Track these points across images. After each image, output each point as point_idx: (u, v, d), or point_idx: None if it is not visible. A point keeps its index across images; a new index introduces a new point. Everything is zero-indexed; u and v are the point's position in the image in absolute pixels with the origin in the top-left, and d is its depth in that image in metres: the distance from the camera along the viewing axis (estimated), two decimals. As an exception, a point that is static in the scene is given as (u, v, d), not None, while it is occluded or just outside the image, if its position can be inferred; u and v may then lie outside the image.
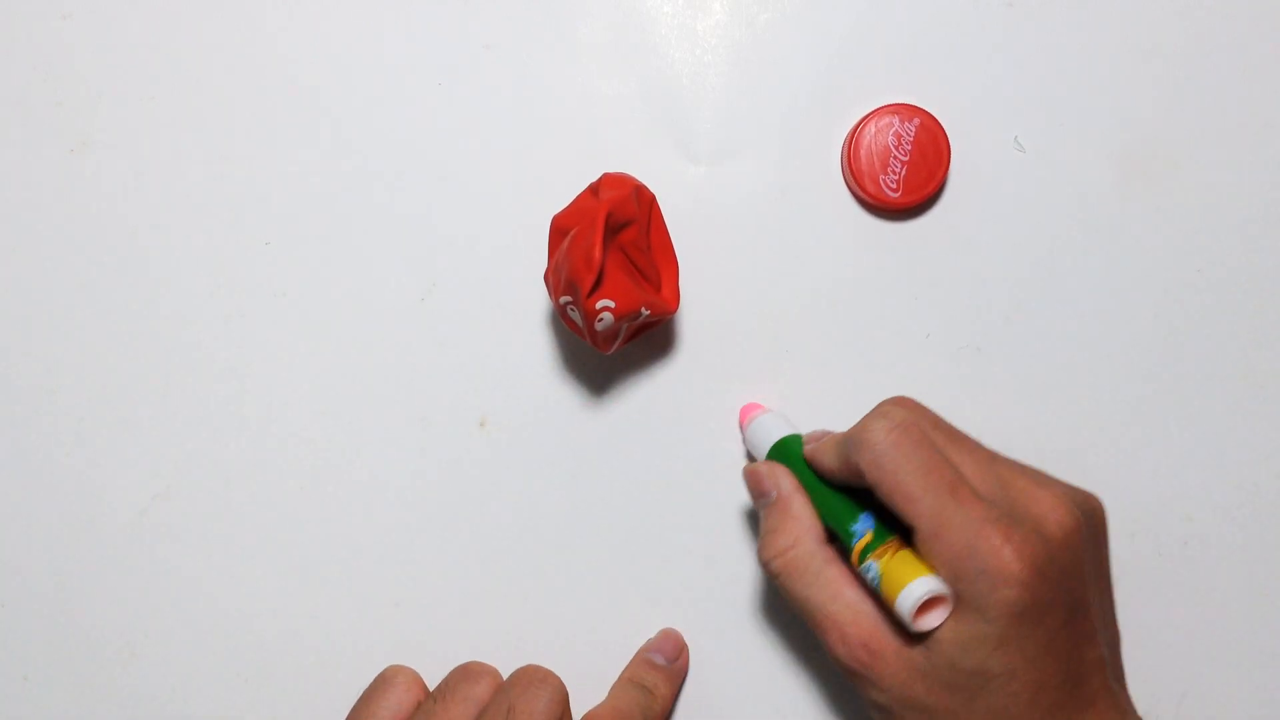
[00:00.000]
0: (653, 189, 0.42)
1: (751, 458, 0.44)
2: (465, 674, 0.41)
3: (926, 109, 0.44)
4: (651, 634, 0.45)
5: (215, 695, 0.45)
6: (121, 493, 0.46)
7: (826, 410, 0.45)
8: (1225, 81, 0.45)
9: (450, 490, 0.45)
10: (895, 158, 0.43)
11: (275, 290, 0.46)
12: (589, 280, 0.38)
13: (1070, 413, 0.45)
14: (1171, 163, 0.45)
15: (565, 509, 0.45)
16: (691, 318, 0.45)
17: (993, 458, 0.36)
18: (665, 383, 0.45)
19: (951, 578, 0.33)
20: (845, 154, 0.44)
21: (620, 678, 0.43)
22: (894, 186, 0.44)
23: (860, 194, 0.44)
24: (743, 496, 0.45)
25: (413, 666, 0.44)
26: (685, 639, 0.44)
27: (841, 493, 0.37)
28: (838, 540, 0.37)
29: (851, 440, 0.36)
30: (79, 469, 0.46)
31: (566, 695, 0.40)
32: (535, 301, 0.45)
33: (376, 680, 0.42)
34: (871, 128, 0.44)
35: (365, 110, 0.46)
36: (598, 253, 0.38)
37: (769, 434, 0.42)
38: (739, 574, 0.45)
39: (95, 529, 0.46)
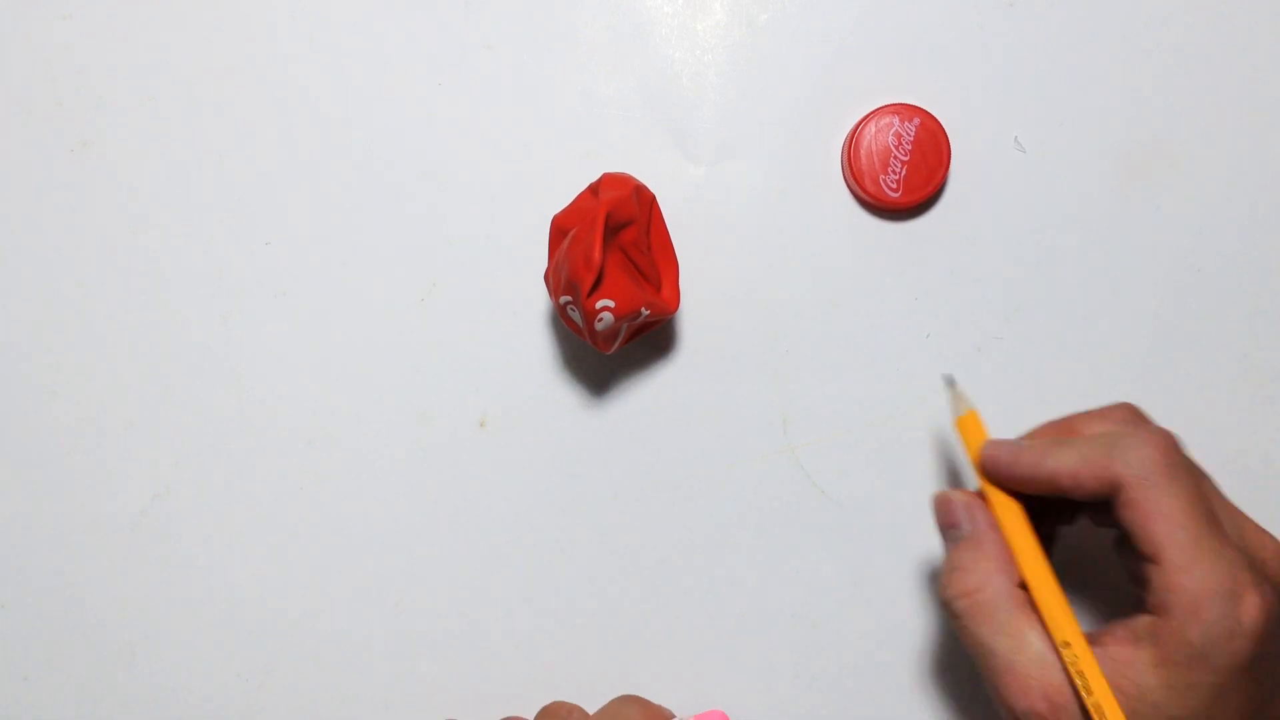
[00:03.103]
0: (653, 189, 0.42)
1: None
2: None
3: (926, 109, 0.44)
4: (648, 633, 0.45)
5: (215, 695, 0.45)
6: (121, 493, 0.46)
7: (827, 410, 0.45)
8: (1225, 81, 0.45)
9: (450, 490, 0.45)
10: (895, 158, 0.43)
11: (275, 290, 0.46)
12: (589, 280, 0.38)
13: (1070, 413, 0.45)
14: (1171, 163, 0.45)
15: (565, 509, 0.45)
16: (691, 318, 0.45)
17: (1217, 489, 0.35)
18: (665, 383, 0.45)
19: (1190, 616, 0.31)
20: (845, 154, 0.44)
21: None
22: (894, 186, 0.44)
23: (860, 194, 0.44)
24: (741, 496, 0.45)
25: (413, 665, 0.44)
26: (683, 638, 0.44)
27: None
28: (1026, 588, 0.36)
29: (1114, 448, 0.34)
30: (79, 469, 0.46)
31: None
32: (535, 301, 0.45)
33: None
34: (871, 128, 0.44)
35: (365, 110, 0.46)
36: (598, 253, 0.38)
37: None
38: (739, 573, 0.45)
39: (95, 529, 0.46)
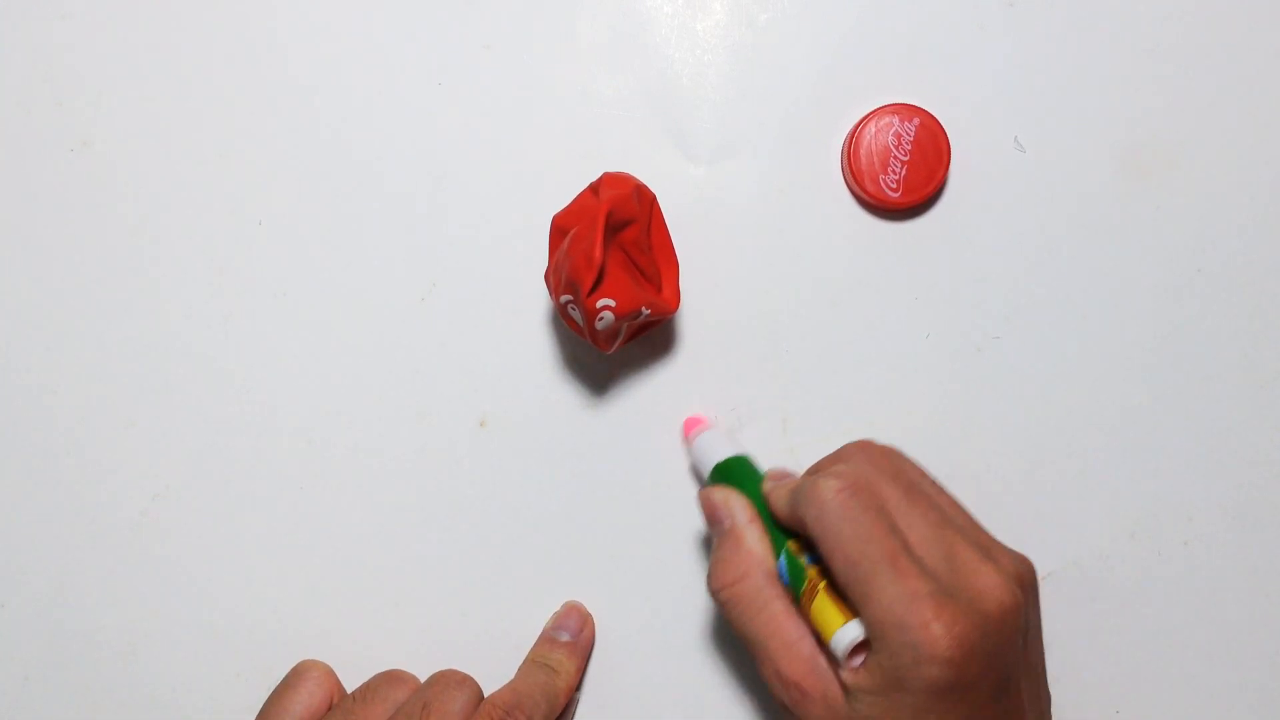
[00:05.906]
0: (653, 189, 0.42)
1: (696, 472, 0.44)
2: (388, 678, 0.42)
3: (926, 109, 0.44)
4: (649, 631, 0.45)
5: (215, 695, 0.45)
6: (121, 493, 0.46)
7: (826, 410, 0.45)
8: (1225, 81, 0.45)
9: (450, 489, 0.45)
10: (895, 158, 0.43)
11: (275, 290, 0.46)
12: (589, 279, 0.38)
13: (1070, 412, 0.45)
14: (1171, 163, 0.45)
15: (565, 509, 0.45)
16: (691, 318, 0.45)
17: (944, 521, 0.35)
18: (665, 383, 0.45)
19: (879, 643, 0.32)
20: (845, 154, 0.44)
21: (525, 659, 0.43)
22: (894, 186, 0.44)
23: (860, 194, 0.44)
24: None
25: (411, 666, 0.44)
26: (684, 636, 0.44)
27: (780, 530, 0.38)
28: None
29: (801, 493, 0.36)
30: (79, 469, 0.46)
31: (482, 696, 0.41)
32: (535, 301, 0.45)
33: (289, 675, 0.43)
34: (871, 128, 0.44)
35: (365, 110, 0.46)
36: (598, 252, 0.38)
37: (713, 453, 0.42)
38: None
39: (95, 529, 0.46)
